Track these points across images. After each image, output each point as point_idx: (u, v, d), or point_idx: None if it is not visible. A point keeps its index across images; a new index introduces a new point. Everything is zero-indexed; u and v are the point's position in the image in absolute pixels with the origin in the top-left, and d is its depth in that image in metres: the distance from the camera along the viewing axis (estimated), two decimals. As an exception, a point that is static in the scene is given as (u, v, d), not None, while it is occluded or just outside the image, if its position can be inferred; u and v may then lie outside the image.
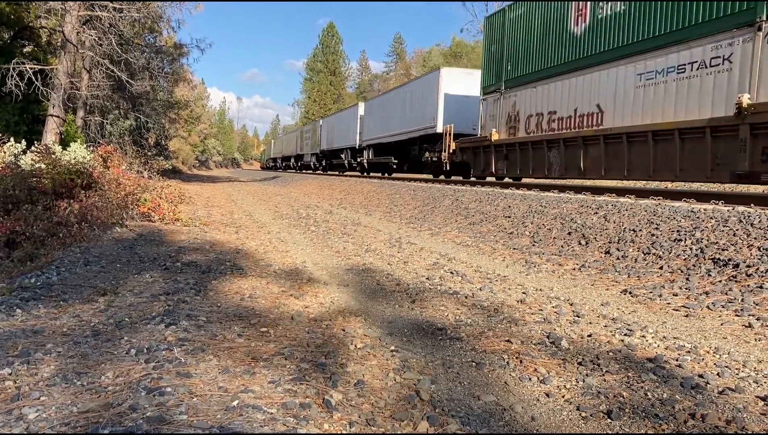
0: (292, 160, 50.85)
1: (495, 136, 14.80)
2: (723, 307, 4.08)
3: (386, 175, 26.95)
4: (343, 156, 33.38)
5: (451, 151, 17.69)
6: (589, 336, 3.49)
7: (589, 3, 11.57)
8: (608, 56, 10.92)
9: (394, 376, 2.76)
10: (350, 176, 27.39)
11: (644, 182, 14.36)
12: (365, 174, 29.14)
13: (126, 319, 3.54)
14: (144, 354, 2.88)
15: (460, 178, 18.42)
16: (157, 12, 19.63)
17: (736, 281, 4.50)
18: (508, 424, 2.34)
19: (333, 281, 5.16)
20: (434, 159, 19.79)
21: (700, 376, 2.82)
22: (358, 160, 30.33)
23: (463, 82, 19.46)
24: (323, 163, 39.00)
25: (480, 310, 4.11)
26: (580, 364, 2.99)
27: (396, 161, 24.87)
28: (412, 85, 23.70)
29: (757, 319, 3.74)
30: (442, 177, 19.93)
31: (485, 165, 15.57)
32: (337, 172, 34.94)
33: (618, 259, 5.72)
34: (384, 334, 3.49)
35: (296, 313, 3.86)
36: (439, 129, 19.08)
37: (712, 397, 2.59)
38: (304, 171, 43.85)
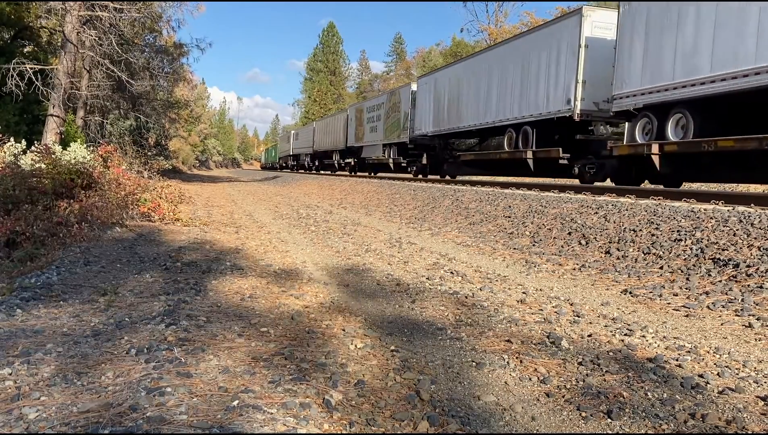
0: (336, 157, 32.32)
1: None
2: (723, 307, 4.08)
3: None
4: (493, 147, 15.57)
5: None
6: (589, 336, 3.49)
7: None
8: None
9: (395, 376, 2.76)
10: (351, 176, 24.70)
11: (644, 181, 13.11)
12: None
13: (126, 319, 3.54)
14: (144, 354, 2.88)
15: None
16: (157, 12, 19.62)
17: (736, 281, 4.50)
18: (508, 424, 2.34)
19: (333, 281, 5.16)
20: None
21: (700, 376, 2.82)
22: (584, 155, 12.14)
23: None
24: (418, 162, 20.28)
25: (480, 310, 4.11)
26: (580, 364, 2.99)
27: None
28: None
29: (757, 319, 3.74)
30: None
31: None
32: (442, 181, 15.54)
33: (618, 259, 5.72)
34: (384, 334, 3.49)
35: (296, 313, 3.86)
36: None
37: (712, 397, 2.59)
38: (358, 174, 27.24)
